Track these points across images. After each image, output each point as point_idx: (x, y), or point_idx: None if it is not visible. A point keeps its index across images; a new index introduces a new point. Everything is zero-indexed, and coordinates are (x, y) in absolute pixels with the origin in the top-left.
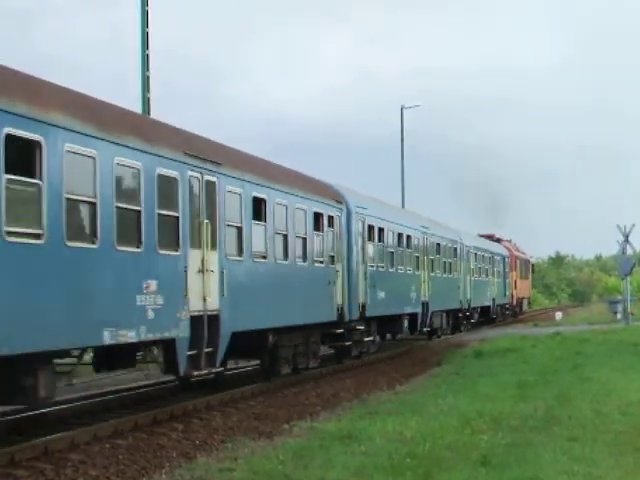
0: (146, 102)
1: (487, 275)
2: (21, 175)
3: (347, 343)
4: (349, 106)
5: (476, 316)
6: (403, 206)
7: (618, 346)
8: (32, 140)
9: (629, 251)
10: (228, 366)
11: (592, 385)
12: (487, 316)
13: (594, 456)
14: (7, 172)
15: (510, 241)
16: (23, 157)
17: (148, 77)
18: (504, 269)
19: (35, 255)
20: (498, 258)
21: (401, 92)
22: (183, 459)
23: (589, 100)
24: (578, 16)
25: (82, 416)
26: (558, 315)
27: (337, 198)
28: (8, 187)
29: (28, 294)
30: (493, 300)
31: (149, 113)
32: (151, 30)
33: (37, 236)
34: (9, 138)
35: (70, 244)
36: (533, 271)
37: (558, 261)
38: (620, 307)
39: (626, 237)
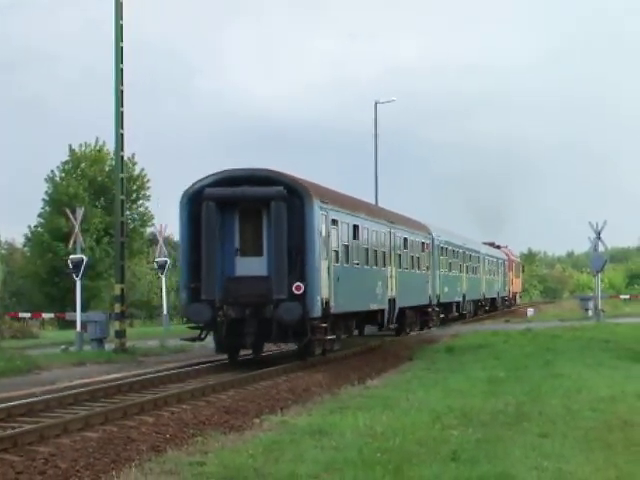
0: (119, 94)
1: (494, 275)
2: (355, 239)
3: (433, 318)
4: (332, 103)
5: (488, 305)
6: (376, 202)
7: (589, 343)
8: (355, 224)
9: (601, 248)
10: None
11: (563, 381)
12: (494, 305)
13: (564, 452)
14: (352, 239)
15: (507, 247)
16: (354, 234)
17: (122, 70)
18: (504, 270)
19: (359, 270)
20: (500, 261)
21: (382, 89)
22: (153, 452)
23: (569, 98)
24: (561, 15)
25: (52, 409)
26: (530, 311)
27: (428, 231)
28: (347, 247)
29: (353, 287)
30: (497, 293)
31: (122, 105)
32: (127, 23)
33: (359, 263)
34: (354, 226)
35: (364, 267)
36: (523, 271)
37: (530, 258)
38: (591, 304)
39: (598, 234)
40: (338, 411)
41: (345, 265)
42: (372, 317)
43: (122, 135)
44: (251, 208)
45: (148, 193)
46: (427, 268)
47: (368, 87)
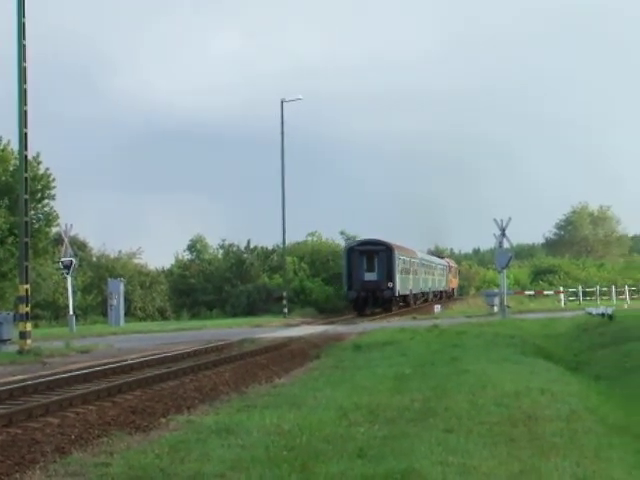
0: (22, 92)
1: (442, 276)
2: (404, 265)
3: (419, 299)
4: (238, 100)
5: (439, 294)
6: (283, 200)
7: (494, 339)
8: (405, 259)
9: (506, 245)
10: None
11: (468, 377)
12: (441, 295)
13: (469, 447)
14: (404, 265)
15: (448, 256)
16: (404, 262)
17: (25, 68)
18: (447, 273)
19: (405, 277)
20: (444, 267)
21: (288, 88)
22: (58, 454)
23: (475, 92)
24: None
25: None
26: (437, 308)
27: (416, 254)
28: (403, 268)
29: (405, 284)
30: (444, 288)
31: (26, 104)
32: (35, 17)
33: (405, 274)
34: (404, 259)
35: (406, 275)
36: (459, 273)
37: (437, 255)
38: (497, 300)
39: (503, 231)
40: (245, 410)
41: (403, 275)
42: (405, 298)
43: (26, 134)
44: (371, 254)
45: (53, 192)
46: (418, 274)
47: (274, 85)
